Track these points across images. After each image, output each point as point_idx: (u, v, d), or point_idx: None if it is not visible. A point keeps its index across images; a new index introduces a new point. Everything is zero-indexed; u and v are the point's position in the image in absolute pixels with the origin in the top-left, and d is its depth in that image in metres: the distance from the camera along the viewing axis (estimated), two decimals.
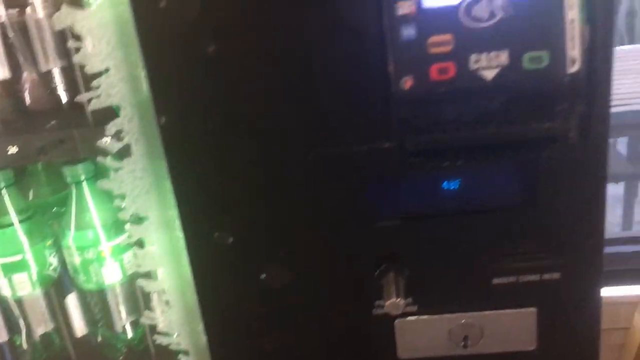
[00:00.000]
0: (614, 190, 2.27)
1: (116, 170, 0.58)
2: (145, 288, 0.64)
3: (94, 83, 0.55)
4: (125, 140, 0.57)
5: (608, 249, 1.71)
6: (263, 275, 0.57)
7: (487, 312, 0.57)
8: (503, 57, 0.42)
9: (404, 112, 0.45)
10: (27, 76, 0.75)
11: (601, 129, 0.47)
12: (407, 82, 0.43)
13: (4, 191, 0.79)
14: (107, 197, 0.81)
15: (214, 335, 0.60)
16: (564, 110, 0.44)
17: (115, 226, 0.80)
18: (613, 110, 0.46)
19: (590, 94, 0.44)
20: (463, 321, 0.57)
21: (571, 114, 0.45)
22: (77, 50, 0.55)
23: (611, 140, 2.22)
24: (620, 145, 2.34)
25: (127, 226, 0.61)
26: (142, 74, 0.55)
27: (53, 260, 0.85)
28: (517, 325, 0.57)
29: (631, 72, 2.14)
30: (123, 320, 0.85)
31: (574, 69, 0.43)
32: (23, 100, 0.76)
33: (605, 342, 0.57)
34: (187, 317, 0.64)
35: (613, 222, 2.27)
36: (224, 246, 0.56)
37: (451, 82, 0.43)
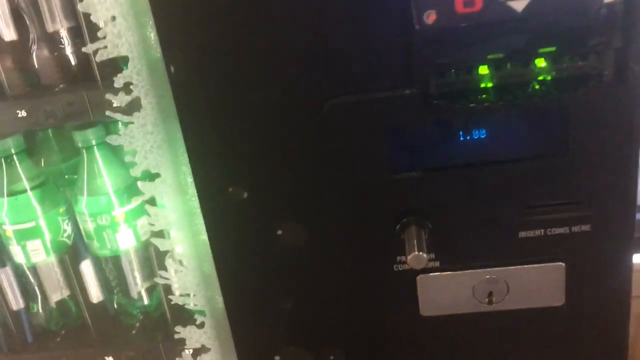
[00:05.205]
0: None
1: (126, 125, 0.56)
2: (159, 247, 0.62)
3: (100, 33, 0.53)
4: (135, 93, 0.55)
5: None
6: (279, 232, 0.55)
7: (513, 267, 0.54)
8: None
9: (427, 50, 0.42)
10: (34, 38, 0.73)
11: (638, 67, 0.44)
12: (431, 16, 0.40)
13: (15, 157, 0.78)
14: (119, 162, 0.79)
15: (230, 293, 0.58)
16: (599, 46, 0.41)
17: (128, 191, 0.78)
18: None
19: (628, 27, 0.41)
20: (487, 277, 0.55)
21: (607, 49, 0.42)
22: None
23: None
24: None
25: (139, 183, 0.59)
26: (150, 22, 0.52)
27: (67, 227, 0.84)
28: (545, 280, 0.55)
29: None
30: (139, 286, 0.84)
31: None
32: (31, 62, 0.74)
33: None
34: (202, 277, 0.62)
35: None
36: (239, 202, 0.54)
37: (478, 14, 0.40)
